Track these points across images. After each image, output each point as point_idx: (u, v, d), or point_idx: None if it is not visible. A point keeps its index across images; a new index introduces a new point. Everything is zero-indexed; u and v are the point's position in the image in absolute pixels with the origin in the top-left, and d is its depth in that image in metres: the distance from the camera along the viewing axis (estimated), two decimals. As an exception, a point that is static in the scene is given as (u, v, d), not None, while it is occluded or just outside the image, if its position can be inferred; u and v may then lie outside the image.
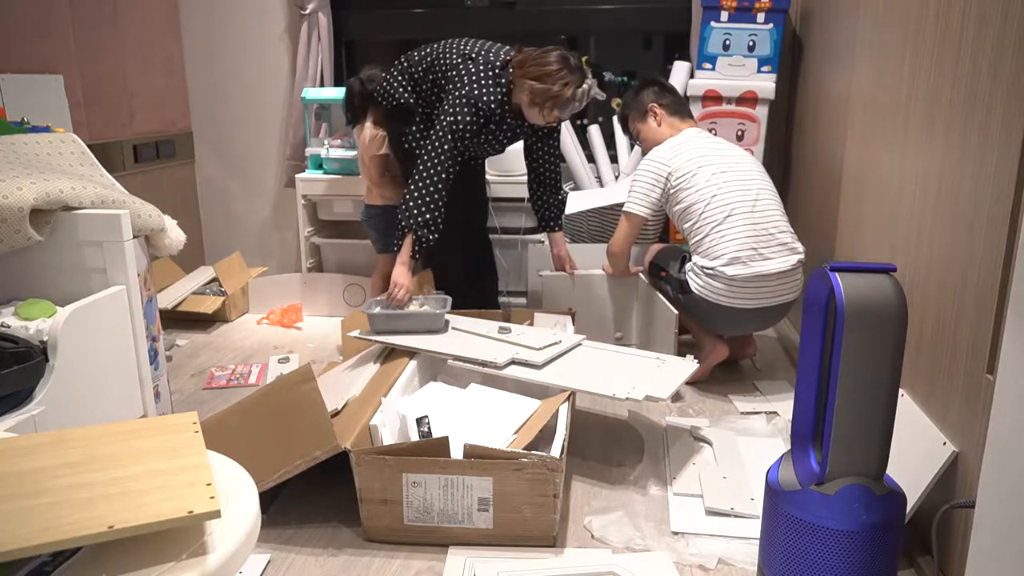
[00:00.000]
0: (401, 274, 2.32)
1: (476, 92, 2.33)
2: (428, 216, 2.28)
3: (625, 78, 3.53)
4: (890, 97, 1.91)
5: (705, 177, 2.35)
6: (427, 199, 2.28)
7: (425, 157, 2.30)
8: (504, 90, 2.36)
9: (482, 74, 2.35)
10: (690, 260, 2.39)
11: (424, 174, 2.29)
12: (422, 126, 2.53)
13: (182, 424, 1.03)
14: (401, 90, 2.53)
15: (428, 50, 2.50)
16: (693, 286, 2.34)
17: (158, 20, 3.42)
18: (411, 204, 2.28)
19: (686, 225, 2.39)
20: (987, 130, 1.38)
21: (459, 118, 2.30)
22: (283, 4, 3.46)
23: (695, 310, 2.39)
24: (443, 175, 2.29)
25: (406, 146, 2.54)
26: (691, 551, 1.61)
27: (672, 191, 2.39)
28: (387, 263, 3.00)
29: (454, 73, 2.38)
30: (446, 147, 2.29)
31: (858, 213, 2.15)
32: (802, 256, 2.34)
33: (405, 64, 2.54)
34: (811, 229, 2.71)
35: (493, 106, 2.35)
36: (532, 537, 1.63)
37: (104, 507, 0.83)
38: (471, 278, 2.80)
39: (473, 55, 2.40)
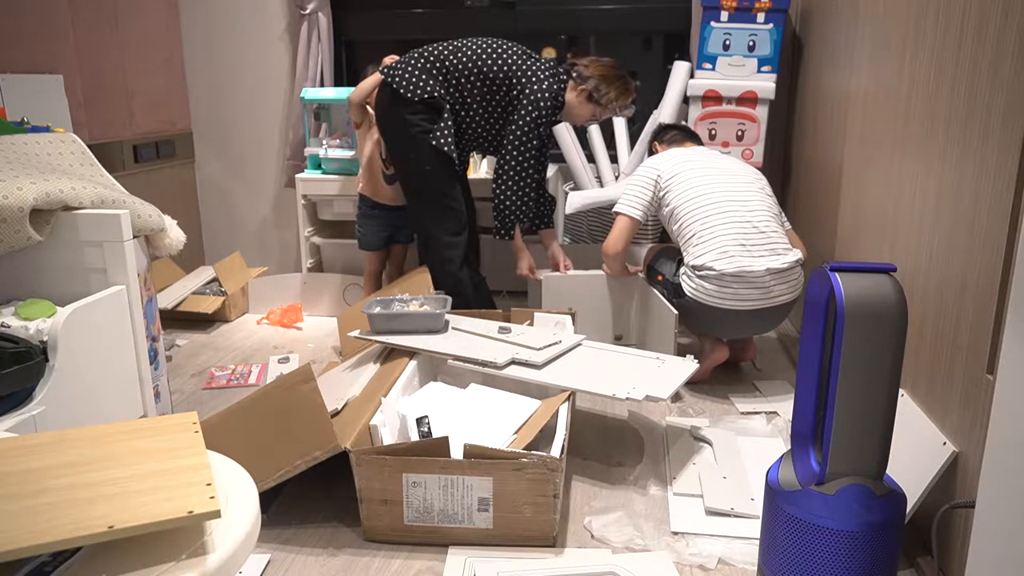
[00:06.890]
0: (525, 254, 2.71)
1: (555, 87, 2.51)
2: (526, 209, 2.57)
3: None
4: (890, 97, 1.91)
5: (692, 177, 2.40)
6: (525, 193, 2.54)
7: (516, 155, 2.49)
8: (562, 88, 2.54)
9: (549, 72, 2.51)
10: (684, 264, 2.39)
11: (519, 169, 2.50)
12: (449, 122, 2.52)
13: (182, 424, 1.03)
14: (434, 83, 2.51)
15: (468, 53, 2.51)
16: (686, 289, 2.34)
17: (158, 20, 3.42)
18: (515, 200, 2.53)
19: (675, 227, 2.41)
20: (987, 130, 1.38)
21: (543, 112, 2.48)
22: (283, 4, 3.46)
23: (691, 314, 2.39)
24: (534, 171, 2.54)
25: (432, 143, 2.51)
26: (691, 551, 1.61)
27: (662, 193, 2.44)
28: (372, 261, 2.99)
29: (524, 73, 2.50)
30: (535, 141, 2.50)
31: (858, 213, 2.15)
32: (798, 257, 2.33)
33: (436, 62, 2.52)
34: (811, 229, 2.71)
35: (559, 101, 2.54)
36: (532, 537, 1.63)
37: (104, 507, 0.83)
38: (475, 284, 2.80)
39: (529, 53, 2.55)
